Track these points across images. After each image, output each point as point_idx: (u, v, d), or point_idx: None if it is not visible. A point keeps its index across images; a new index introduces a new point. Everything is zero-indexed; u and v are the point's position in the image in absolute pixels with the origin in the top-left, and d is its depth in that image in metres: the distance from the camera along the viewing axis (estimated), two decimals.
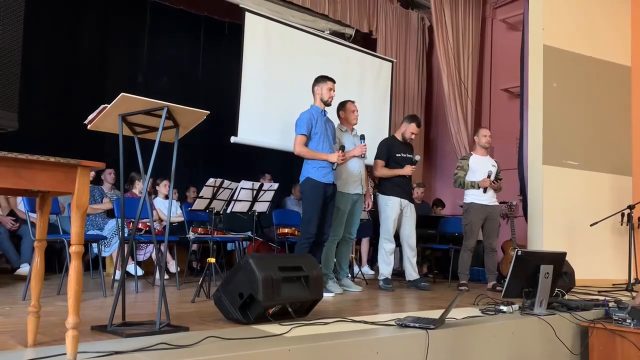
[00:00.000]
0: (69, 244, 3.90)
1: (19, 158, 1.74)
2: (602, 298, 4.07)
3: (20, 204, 5.20)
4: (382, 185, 5.29)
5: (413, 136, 5.31)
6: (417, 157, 5.30)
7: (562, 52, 5.93)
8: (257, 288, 2.68)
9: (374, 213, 6.83)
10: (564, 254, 3.72)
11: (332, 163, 4.43)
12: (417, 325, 2.68)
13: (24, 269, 4.85)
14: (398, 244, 5.29)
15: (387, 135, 7.34)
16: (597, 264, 5.67)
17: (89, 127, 2.60)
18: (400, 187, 5.16)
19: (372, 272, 6.56)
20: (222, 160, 7.54)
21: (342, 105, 4.94)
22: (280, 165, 7.49)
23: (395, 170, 5.16)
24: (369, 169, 5.62)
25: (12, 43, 1.42)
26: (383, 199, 5.19)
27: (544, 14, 5.89)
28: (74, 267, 1.90)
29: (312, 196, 4.40)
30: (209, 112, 2.66)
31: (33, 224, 4.19)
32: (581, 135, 5.96)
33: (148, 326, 2.55)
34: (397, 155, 5.21)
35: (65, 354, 1.88)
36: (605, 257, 5.84)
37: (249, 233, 5.89)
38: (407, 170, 5.13)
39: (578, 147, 5.92)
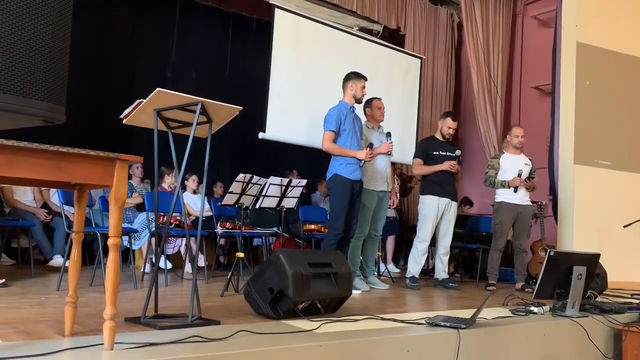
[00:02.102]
0: (101, 236, 3.99)
1: (61, 151, 1.78)
2: (635, 301, 3.99)
3: (54, 196, 5.31)
4: (422, 184, 5.26)
5: (451, 131, 5.23)
6: (458, 152, 5.21)
7: (596, 49, 5.79)
8: (287, 283, 2.69)
9: (401, 211, 6.79)
10: (598, 255, 3.65)
11: (360, 160, 4.41)
12: (448, 324, 2.66)
13: (57, 260, 4.97)
14: (432, 241, 5.23)
15: (415, 133, 7.31)
16: (629, 266, 5.54)
17: (124, 121, 2.64)
18: (439, 186, 5.08)
19: (398, 270, 6.53)
20: (248, 156, 7.59)
21: (368, 102, 4.91)
22: (306, 161, 7.51)
23: (432, 166, 5.10)
24: (395, 167, 5.57)
25: (61, 37, 1.44)
26: (421, 198, 5.16)
27: (577, 10, 5.76)
28: (112, 259, 1.93)
29: (340, 193, 4.39)
30: (241, 107, 2.68)
31: (66, 217, 4.30)
32: (614, 135, 5.82)
33: (180, 319, 2.58)
34: (434, 153, 5.15)
35: (102, 344, 1.92)
36: (638, 259, 5.70)
37: (275, 229, 5.93)
38: (446, 165, 5.05)
39: (611, 147, 5.78)
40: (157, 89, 2.47)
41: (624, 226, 5.32)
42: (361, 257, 4.80)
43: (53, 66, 1.45)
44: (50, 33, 1.41)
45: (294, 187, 4.90)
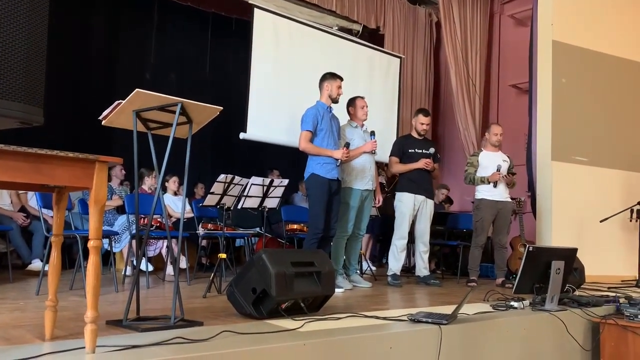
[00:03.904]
0: (81, 239, 3.94)
1: (39, 153, 1.76)
2: (612, 294, 4.07)
3: (32, 199, 5.24)
4: (398, 182, 5.30)
5: (425, 127, 5.28)
6: (432, 150, 5.26)
7: (571, 47, 5.90)
8: (270, 283, 2.69)
9: (383, 209, 6.82)
10: (575, 249, 3.72)
11: (336, 159, 4.43)
12: (429, 320, 2.69)
13: (35, 265, 4.89)
14: (411, 239, 5.28)
15: (395, 132, 7.35)
16: (606, 260, 5.65)
17: (103, 122, 2.62)
18: (415, 183, 5.13)
19: (373, 268, 6.53)
20: (230, 156, 7.56)
21: (351, 101, 4.93)
22: (288, 161, 7.49)
23: (408, 165, 5.15)
24: (380, 166, 5.60)
25: (38, 38, 1.43)
26: (397, 196, 5.21)
27: (553, 9, 5.86)
28: (92, 261, 1.91)
29: (318, 192, 4.41)
30: (222, 107, 2.67)
31: (45, 220, 4.24)
32: (590, 132, 5.93)
33: (162, 321, 2.56)
34: (410, 151, 5.20)
35: (83, 347, 1.90)
36: (614, 253, 5.82)
37: (258, 229, 5.92)
38: (421, 163, 5.10)
39: (587, 144, 5.90)
40: (136, 89, 2.45)
41: (601, 221, 5.43)
42: (344, 256, 4.81)
43: (30, 67, 1.43)
44: (26, 34, 1.39)
45: (275, 187, 4.90)
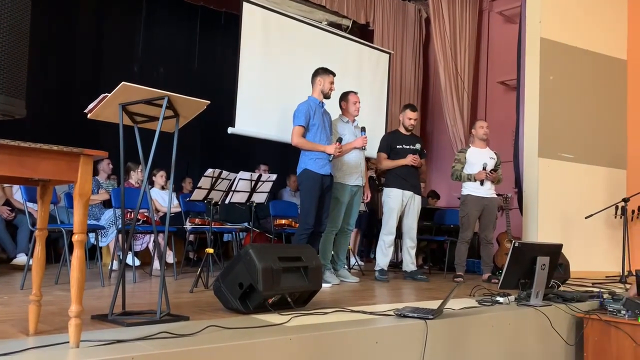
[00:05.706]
0: (67, 234, 3.91)
1: (22, 146, 1.74)
2: (596, 290, 4.12)
3: (17, 193, 5.19)
4: (386, 178, 5.32)
5: (413, 122, 5.29)
6: (418, 146, 5.27)
7: (559, 45, 5.94)
8: (257, 278, 2.69)
9: (371, 205, 6.84)
10: (560, 245, 3.75)
11: (329, 154, 4.43)
12: (415, 315, 2.70)
13: (20, 259, 4.85)
14: (399, 234, 5.30)
15: (384, 127, 7.36)
16: (591, 256, 5.72)
17: (89, 116, 2.59)
18: (404, 179, 5.15)
19: (361, 264, 6.54)
20: (218, 151, 7.54)
21: (344, 96, 4.93)
22: (276, 156, 7.49)
23: (396, 161, 5.17)
24: (368, 161, 5.60)
25: (20, 30, 1.41)
26: (385, 191, 5.23)
27: (541, 6, 5.89)
28: (77, 255, 1.90)
29: (310, 187, 4.40)
30: (209, 102, 2.65)
31: (30, 214, 4.19)
32: (577, 129, 5.99)
33: (148, 315, 2.55)
34: (397, 146, 5.22)
35: (67, 342, 1.89)
36: (599, 249, 5.89)
37: (246, 224, 5.90)
38: (409, 159, 5.12)
39: (574, 140, 5.95)
40: (122, 82, 2.42)
41: (586, 217, 5.49)
42: (332, 251, 4.82)
43: (11, 59, 1.41)
44: (8, 26, 1.37)
45: (263, 182, 4.89)
